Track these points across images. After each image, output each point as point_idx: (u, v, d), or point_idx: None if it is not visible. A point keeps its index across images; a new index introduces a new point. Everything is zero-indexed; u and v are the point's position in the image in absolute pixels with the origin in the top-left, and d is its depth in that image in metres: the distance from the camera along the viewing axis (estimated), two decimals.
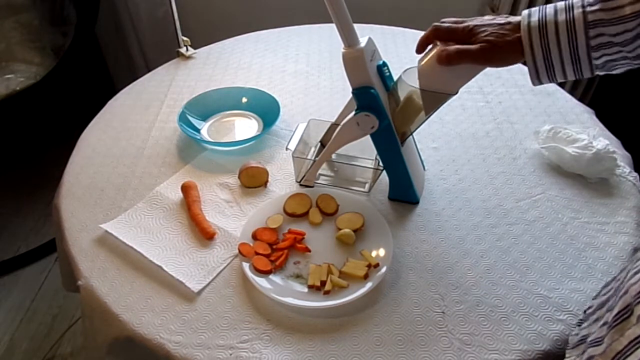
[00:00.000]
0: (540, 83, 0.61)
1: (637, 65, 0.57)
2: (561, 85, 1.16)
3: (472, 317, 0.66)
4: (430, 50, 0.67)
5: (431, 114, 0.74)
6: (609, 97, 1.62)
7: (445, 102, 0.71)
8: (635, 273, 0.41)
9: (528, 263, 0.74)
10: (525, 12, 0.59)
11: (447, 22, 0.66)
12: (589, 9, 0.54)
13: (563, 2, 0.57)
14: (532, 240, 0.77)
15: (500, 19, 0.62)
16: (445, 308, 0.68)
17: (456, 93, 0.70)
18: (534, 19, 0.57)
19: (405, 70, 0.73)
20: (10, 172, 1.95)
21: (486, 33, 0.60)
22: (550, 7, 0.57)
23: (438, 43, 0.65)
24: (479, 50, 0.60)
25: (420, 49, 0.68)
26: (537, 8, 0.59)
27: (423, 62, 0.67)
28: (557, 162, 0.89)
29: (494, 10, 1.82)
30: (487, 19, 0.63)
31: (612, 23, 0.53)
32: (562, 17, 0.55)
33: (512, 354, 0.62)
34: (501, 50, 0.59)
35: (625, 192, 0.84)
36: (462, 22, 0.64)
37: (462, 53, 0.61)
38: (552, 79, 0.60)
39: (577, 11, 0.55)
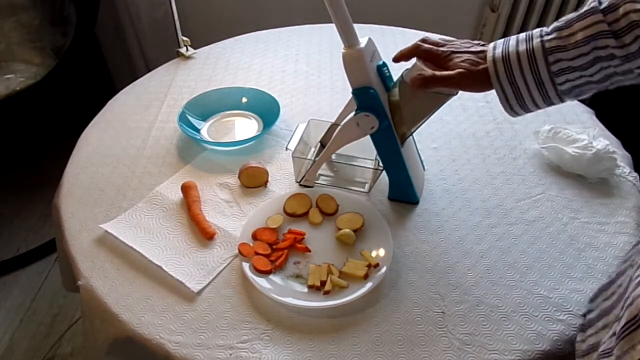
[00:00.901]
0: (516, 113, 0.64)
1: (604, 88, 0.59)
2: None
3: (472, 317, 0.66)
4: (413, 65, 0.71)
5: (431, 114, 0.75)
6: (609, 97, 1.62)
7: (445, 102, 0.71)
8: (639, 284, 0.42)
9: (528, 263, 0.74)
10: (491, 45, 0.63)
11: (430, 42, 0.70)
12: (546, 37, 0.59)
13: (524, 34, 0.61)
14: (532, 241, 0.77)
15: (477, 47, 0.66)
16: (445, 308, 0.68)
17: (456, 93, 0.70)
18: (498, 51, 0.62)
19: (405, 71, 0.73)
20: (10, 172, 1.95)
21: (461, 59, 0.64)
22: (512, 39, 0.61)
23: (418, 61, 0.70)
24: (452, 76, 0.64)
25: (397, 59, 0.72)
26: (502, 40, 0.63)
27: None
28: (557, 162, 0.89)
29: (494, 10, 1.82)
30: (465, 45, 0.67)
31: (567, 49, 0.57)
32: (522, 47, 0.60)
33: (512, 354, 0.62)
34: (473, 78, 0.63)
35: (625, 192, 0.84)
36: (443, 45, 0.68)
37: (437, 79, 0.65)
38: (523, 107, 0.63)
39: (536, 41, 0.59)
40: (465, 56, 0.64)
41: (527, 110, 0.63)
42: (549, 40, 0.58)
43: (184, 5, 1.72)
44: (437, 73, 0.65)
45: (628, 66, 0.55)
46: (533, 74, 0.59)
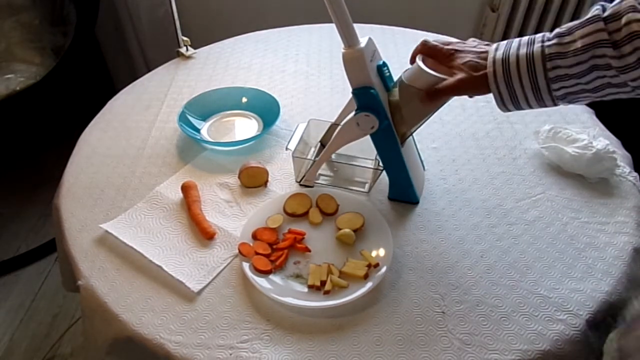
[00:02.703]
0: (507, 109, 0.65)
1: (599, 99, 0.60)
2: None
3: (472, 317, 0.66)
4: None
5: (431, 114, 0.74)
6: None
7: (445, 102, 0.71)
8: None
9: (528, 263, 0.74)
10: (493, 46, 0.64)
11: (437, 41, 0.70)
12: (547, 43, 0.59)
13: (527, 37, 0.62)
14: (532, 240, 0.77)
15: (481, 47, 0.66)
16: (445, 308, 0.68)
17: None
18: (499, 53, 0.62)
19: (405, 71, 0.73)
20: (10, 172, 1.95)
21: (463, 60, 0.65)
22: (515, 42, 0.62)
23: (418, 60, 0.70)
24: (453, 85, 0.65)
25: (412, 60, 0.73)
26: (505, 42, 0.63)
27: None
28: (557, 162, 0.89)
29: (494, 10, 1.82)
30: (470, 45, 0.67)
31: (567, 56, 0.57)
32: (523, 51, 0.60)
33: (512, 354, 0.62)
34: (473, 83, 0.64)
35: (625, 192, 0.84)
36: (448, 44, 0.69)
37: (441, 91, 0.67)
38: (517, 105, 0.63)
39: (537, 45, 0.59)
40: (469, 57, 0.65)
41: (520, 109, 0.64)
42: (549, 46, 0.58)
43: (184, 5, 1.72)
44: (439, 86, 0.67)
45: (623, 78, 0.55)
46: (530, 78, 0.59)
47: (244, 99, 1.04)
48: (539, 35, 0.61)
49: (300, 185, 0.86)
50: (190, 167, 0.91)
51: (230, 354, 0.62)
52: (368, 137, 0.76)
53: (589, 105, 1.05)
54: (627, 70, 0.54)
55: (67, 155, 0.94)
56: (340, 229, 0.77)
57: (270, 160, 0.92)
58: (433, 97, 0.68)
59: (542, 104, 0.62)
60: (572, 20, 1.80)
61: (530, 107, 0.63)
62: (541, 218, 0.80)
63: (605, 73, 0.56)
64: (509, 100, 0.62)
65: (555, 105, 0.62)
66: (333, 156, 0.87)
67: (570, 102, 0.61)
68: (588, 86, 0.58)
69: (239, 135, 0.98)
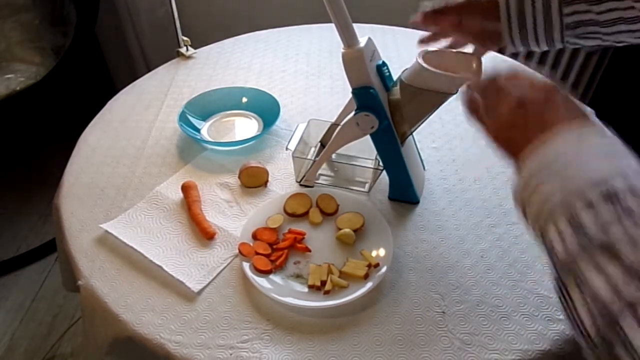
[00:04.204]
0: (514, 45, 0.63)
1: (608, 42, 0.58)
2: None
3: (472, 317, 0.66)
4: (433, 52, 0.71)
5: (431, 114, 0.74)
6: (609, 97, 1.62)
7: (445, 101, 0.71)
8: None
9: (528, 263, 0.74)
10: None
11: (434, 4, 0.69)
12: None
13: None
14: (533, 240, 0.76)
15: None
16: (446, 308, 0.68)
17: (456, 92, 0.70)
18: None
19: (405, 70, 0.73)
20: (10, 171, 1.96)
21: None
22: None
23: (419, 58, 0.69)
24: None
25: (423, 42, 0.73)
26: None
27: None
28: None
29: None
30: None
31: None
32: None
33: (512, 354, 0.62)
34: (481, 5, 0.63)
35: None
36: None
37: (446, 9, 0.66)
38: (524, 40, 0.62)
39: None
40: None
41: (527, 45, 0.63)
42: None
43: (184, 5, 1.71)
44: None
45: (639, 7, 0.53)
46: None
47: (244, 99, 1.04)
48: None
49: (301, 185, 0.86)
50: (190, 167, 0.91)
51: (231, 354, 0.62)
52: (368, 136, 0.76)
53: (589, 105, 1.05)
54: None
55: (67, 155, 0.94)
56: (340, 229, 0.76)
57: (270, 160, 0.92)
58: (437, 13, 0.67)
59: (549, 36, 0.60)
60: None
61: (537, 43, 0.61)
62: None
63: (619, 5, 0.54)
64: (517, 31, 0.61)
65: (563, 41, 0.60)
66: (333, 156, 0.87)
67: (578, 39, 0.59)
68: (600, 17, 0.56)
69: (239, 135, 0.98)
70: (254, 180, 0.86)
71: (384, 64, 0.75)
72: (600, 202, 0.37)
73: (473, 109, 0.54)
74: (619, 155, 0.41)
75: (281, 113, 0.98)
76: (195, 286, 0.70)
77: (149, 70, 1.19)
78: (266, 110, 1.00)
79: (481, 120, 0.53)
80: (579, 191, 0.38)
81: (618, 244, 0.35)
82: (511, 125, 0.48)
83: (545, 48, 0.62)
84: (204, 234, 0.77)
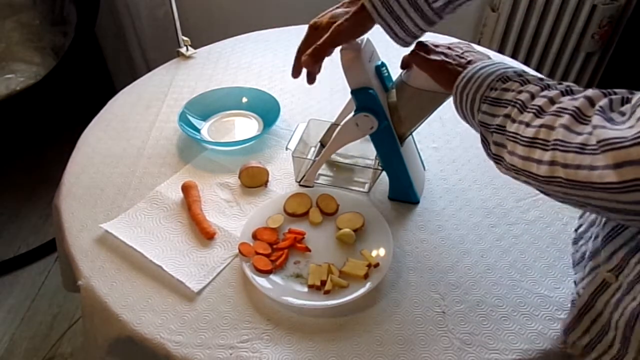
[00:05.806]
0: (406, 42, 0.65)
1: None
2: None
3: (472, 317, 0.66)
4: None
5: (430, 114, 0.75)
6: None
7: (445, 101, 0.71)
8: None
9: (528, 262, 0.74)
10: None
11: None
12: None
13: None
14: (533, 240, 0.77)
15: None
16: (446, 308, 0.68)
17: None
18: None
19: (404, 70, 0.73)
20: (10, 172, 1.96)
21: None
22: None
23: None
24: (333, 31, 0.66)
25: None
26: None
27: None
28: None
29: (494, 10, 1.82)
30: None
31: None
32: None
33: (512, 354, 0.62)
34: (353, 22, 0.64)
35: None
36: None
37: (321, 45, 0.68)
38: (408, 32, 0.63)
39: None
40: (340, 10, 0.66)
41: (413, 35, 0.64)
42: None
43: (184, 5, 1.72)
44: (318, 43, 0.67)
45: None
46: None
47: (244, 99, 1.04)
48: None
49: (300, 185, 0.86)
50: (190, 167, 0.91)
51: (231, 354, 0.62)
52: (368, 136, 0.76)
53: None
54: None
55: (67, 155, 0.94)
56: (340, 229, 0.76)
57: (270, 160, 0.92)
58: (316, 54, 0.69)
59: (427, 19, 0.62)
60: (571, 20, 1.79)
61: (421, 28, 0.63)
62: (541, 218, 0.80)
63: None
64: (398, 27, 0.63)
65: (441, 18, 0.63)
66: (333, 156, 0.87)
67: (452, 11, 0.63)
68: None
69: (239, 135, 0.98)
70: (254, 180, 0.86)
71: (383, 64, 0.75)
72: (499, 82, 0.55)
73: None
74: (509, 67, 0.58)
75: (281, 113, 0.98)
76: (195, 286, 0.70)
77: (149, 70, 1.19)
78: (266, 110, 1.00)
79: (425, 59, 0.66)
80: (488, 82, 0.56)
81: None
82: (446, 62, 0.64)
83: (420, 21, 0.62)
84: (204, 234, 0.77)
